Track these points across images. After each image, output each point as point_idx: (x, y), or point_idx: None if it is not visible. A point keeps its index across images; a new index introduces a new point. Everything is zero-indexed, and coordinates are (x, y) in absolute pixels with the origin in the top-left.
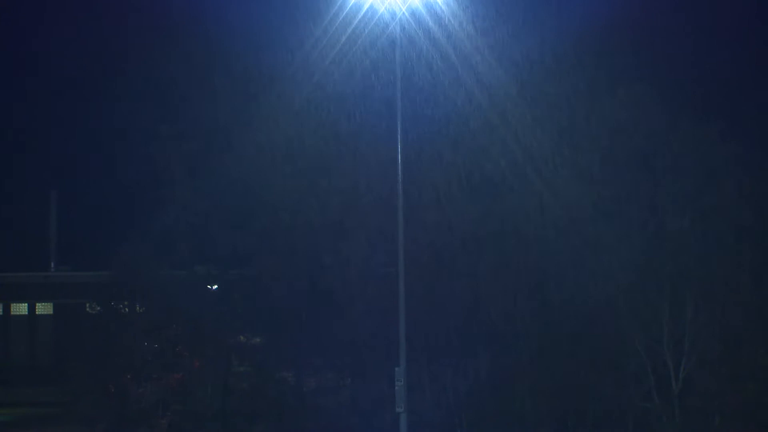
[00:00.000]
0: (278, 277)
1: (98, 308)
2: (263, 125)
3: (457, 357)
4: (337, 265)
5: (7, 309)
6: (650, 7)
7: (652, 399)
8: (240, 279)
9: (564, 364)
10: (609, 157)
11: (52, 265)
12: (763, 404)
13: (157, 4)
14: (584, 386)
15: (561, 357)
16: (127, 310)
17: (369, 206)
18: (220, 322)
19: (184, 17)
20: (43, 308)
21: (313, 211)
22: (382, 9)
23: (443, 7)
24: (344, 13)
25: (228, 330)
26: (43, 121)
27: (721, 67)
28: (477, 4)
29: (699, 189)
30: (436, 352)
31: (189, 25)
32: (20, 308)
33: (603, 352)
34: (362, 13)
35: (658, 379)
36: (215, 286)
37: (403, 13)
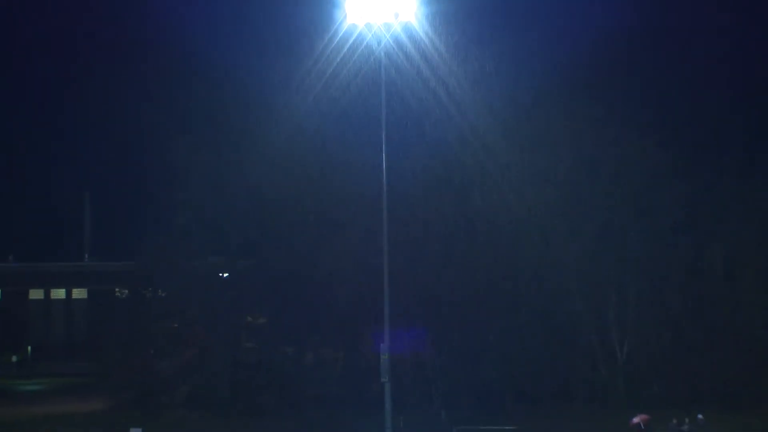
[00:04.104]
0: (281, 266)
1: (126, 293)
2: (267, 136)
3: (434, 335)
4: (331, 256)
5: (47, 294)
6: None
7: (599, 370)
8: (248, 267)
9: (525, 342)
10: (563, 164)
11: (86, 255)
12: (694, 372)
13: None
14: (542, 360)
15: (522, 335)
16: (150, 295)
17: (359, 206)
18: (231, 304)
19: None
20: (79, 293)
21: (310, 209)
22: (369, 36)
23: (424, 34)
24: (338, 38)
25: (237, 311)
26: (80, 127)
27: (659, 84)
28: (452, 27)
29: (640, 191)
30: (416, 331)
31: (201, 46)
32: (59, 293)
33: (558, 331)
34: (353, 38)
35: (605, 353)
36: (226, 274)
37: (387, 39)
